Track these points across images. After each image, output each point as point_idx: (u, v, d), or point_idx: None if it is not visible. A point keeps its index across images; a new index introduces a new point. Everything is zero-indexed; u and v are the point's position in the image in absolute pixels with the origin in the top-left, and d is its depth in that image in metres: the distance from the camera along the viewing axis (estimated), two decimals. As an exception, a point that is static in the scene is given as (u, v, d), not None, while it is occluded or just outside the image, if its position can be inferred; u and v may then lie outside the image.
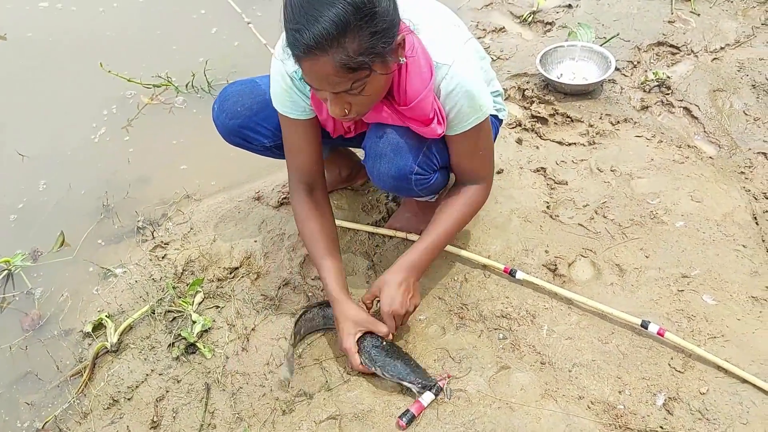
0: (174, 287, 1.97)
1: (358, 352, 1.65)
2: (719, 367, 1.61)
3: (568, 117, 2.48)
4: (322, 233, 1.76)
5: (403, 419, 1.58)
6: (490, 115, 1.85)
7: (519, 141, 2.40)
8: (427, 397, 1.62)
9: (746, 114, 2.47)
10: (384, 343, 1.68)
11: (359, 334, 1.67)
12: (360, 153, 2.26)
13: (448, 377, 1.66)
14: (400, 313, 1.67)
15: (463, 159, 1.70)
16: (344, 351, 1.67)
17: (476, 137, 1.63)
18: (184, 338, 1.82)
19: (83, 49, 3.06)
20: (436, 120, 1.56)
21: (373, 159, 1.70)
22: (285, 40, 1.35)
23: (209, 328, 1.87)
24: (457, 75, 1.51)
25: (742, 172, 2.25)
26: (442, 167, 1.77)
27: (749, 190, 2.16)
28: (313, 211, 1.77)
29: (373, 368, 1.65)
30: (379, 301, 1.71)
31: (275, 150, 1.88)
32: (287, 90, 1.62)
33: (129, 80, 2.74)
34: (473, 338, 1.79)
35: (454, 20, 1.65)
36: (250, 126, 1.83)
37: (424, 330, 1.82)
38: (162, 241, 2.17)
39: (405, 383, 1.63)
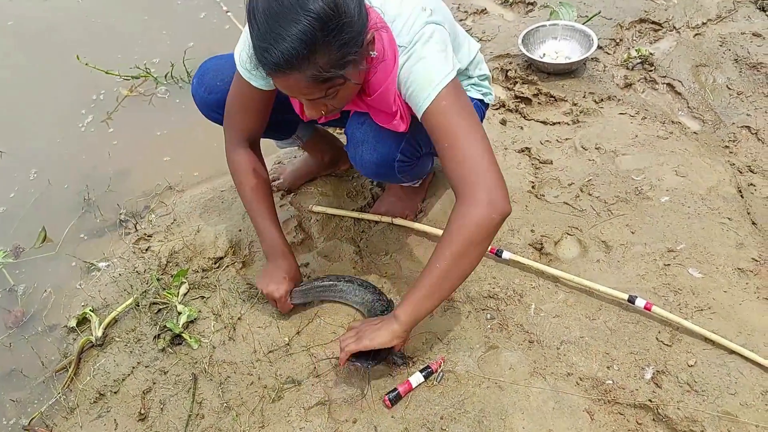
0: (158, 279, 1.95)
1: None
2: (706, 339, 1.61)
3: (552, 96, 2.47)
4: (266, 189, 1.77)
5: (390, 398, 1.58)
6: (474, 99, 1.82)
7: (503, 122, 2.38)
8: (416, 378, 1.61)
9: (729, 88, 2.47)
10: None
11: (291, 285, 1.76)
12: (342, 138, 2.25)
13: (442, 361, 1.66)
14: (360, 327, 1.56)
15: (441, 149, 1.44)
16: (277, 299, 1.74)
17: (445, 119, 1.43)
18: (170, 329, 1.81)
19: (60, 41, 3.02)
20: (399, 115, 1.53)
21: (356, 146, 1.67)
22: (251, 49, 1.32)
23: (195, 319, 1.85)
24: (414, 48, 1.44)
25: (727, 146, 2.26)
26: (427, 153, 1.75)
27: (734, 164, 2.16)
28: (256, 165, 1.76)
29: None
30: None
31: None
32: (253, 59, 1.56)
33: (107, 72, 2.71)
34: (461, 319, 1.78)
35: (424, 3, 1.50)
36: None
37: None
38: (145, 234, 2.15)
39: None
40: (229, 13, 2.99)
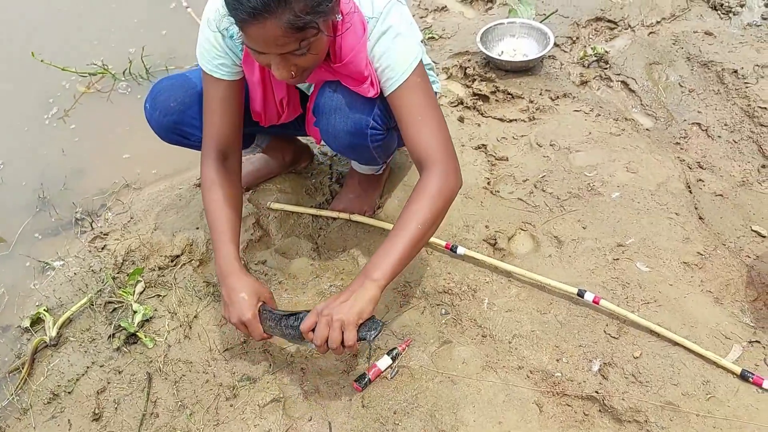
0: (114, 278, 1.93)
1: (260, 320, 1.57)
2: (652, 332, 1.66)
3: (509, 94, 2.51)
4: (227, 203, 1.66)
5: (360, 383, 1.60)
6: None
7: (461, 119, 2.41)
8: (385, 361, 1.63)
9: (681, 86, 2.53)
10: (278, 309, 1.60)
11: (259, 305, 1.58)
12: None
13: (410, 341, 1.70)
14: (326, 315, 1.43)
15: (407, 125, 1.54)
16: (245, 323, 1.54)
17: (417, 95, 1.53)
18: (125, 329, 1.80)
19: (13, 37, 2.96)
20: (369, 80, 1.54)
21: (328, 115, 1.64)
22: (223, 5, 1.31)
23: (151, 318, 1.85)
24: (387, 22, 1.49)
25: (678, 143, 2.31)
26: (394, 127, 1.71)
27: (684, 160, 2.21)
28: (221, 179, 1.67)
29: (275, 332, 1.57)
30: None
31: None
32: (216, 46, 1.56)
33: (63, 69, 2.67)
34: (416, 315, 1.80)
35: None
36: (186, 121, 1.77)
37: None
38: (101, 232, 2.13)
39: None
40: (189, 9, 2.96)
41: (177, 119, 1.75)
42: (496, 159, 2.23)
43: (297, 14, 1.27)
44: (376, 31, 1.49)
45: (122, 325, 1.80)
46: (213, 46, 1.57)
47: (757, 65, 2.49)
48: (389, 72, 1.52)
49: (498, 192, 2.11)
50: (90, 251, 2.07)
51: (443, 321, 1.78)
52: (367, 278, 1.45)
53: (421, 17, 2.97)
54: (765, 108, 2.31)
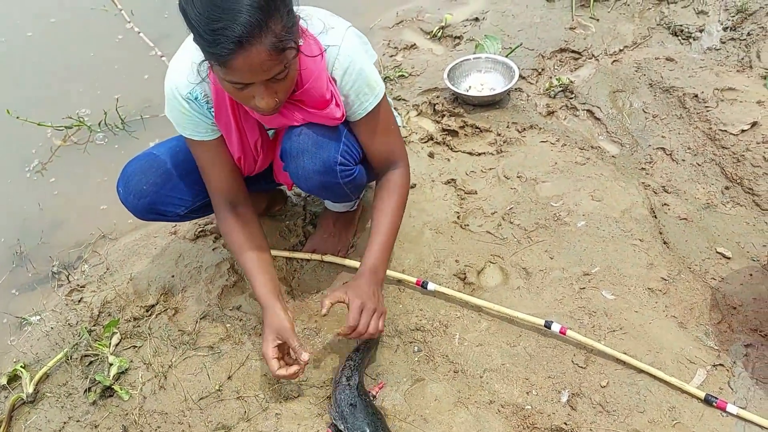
0: (89, 331, 1.95)
1: (330, 402, 1.66)
2: (618, 360, 1.68)
3: (477, 128, 2.56)
4: (249, 242, 1.74)
5: (332, 429, 1.62)
6: None
7: (431, 155, 2.46)
8: None
9: (645, 112, 2.59)
10: (357, 397, 1.62)
11: (278, 341, 1.61)
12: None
13: (383, 384, 1.72)
14: (370, 308, 1.62)
15: (376, 140, 1.73)
16: (263, 356, 1.61)
17: (381, 114, 1.69)
18: (100, 382, 1.81)
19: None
20: (333, 102, 1.59)
21: (295, 158, 1.67)
22: (201, 49, 1.34)
23: (127, 369, 1.86)
24: (348, 55, 1.57)
25: (643, 168, 2.36)
26: (362, 160, 1.78)
27: (649, 185, 2.26)
28: (237, 224, 1.75)
29: (340, 424, 1.60)
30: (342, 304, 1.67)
31: (191, 215, 1.89)
32: (185, 113, 1.62)
33: (39, 124, 2.71)
34: (389, 353, 1.82)
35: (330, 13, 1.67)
36: (161, 200, 1.79)
37: (341, 349, 1.84)
38: (78, 285, 2.15)
39: None
40: (163, 58, 3.03)
41: (152, 200, 1.78)
42: (465, 193, 2.27)
43: (278, 35, 1.32)
44: (341, 63, 1.57)
45: (98, 378, 1.81)
46: (183, 114, 1.63)
47: (717, 89, 2.55)
48: (363, 96, 1.63)
49: (467, 226, 2.15)
50: (67, 304, 2.09)
51: (416, 359, 1.80)
52: (374, 275, 1.70)
53: (391, 56, 3.04)
54: (725, 131, 2.37)
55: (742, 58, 2.71)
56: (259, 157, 1.79)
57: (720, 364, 1.65)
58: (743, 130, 2.34)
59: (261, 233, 1.80)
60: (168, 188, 1.80)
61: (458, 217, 2.18)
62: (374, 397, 1.69)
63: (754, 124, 2.34)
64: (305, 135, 1.65)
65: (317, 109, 1.60)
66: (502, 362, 1.74)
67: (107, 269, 2.19)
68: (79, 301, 2.09)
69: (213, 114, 1.63)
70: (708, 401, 1.56)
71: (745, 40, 2.80)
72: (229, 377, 1.81)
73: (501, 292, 1.92)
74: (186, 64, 1.58)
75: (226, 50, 1.29)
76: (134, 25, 3.27)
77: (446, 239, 2.11)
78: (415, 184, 2.32)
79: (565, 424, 1.58)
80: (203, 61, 1.46)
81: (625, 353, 1.67)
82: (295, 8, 1.44)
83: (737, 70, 2.65)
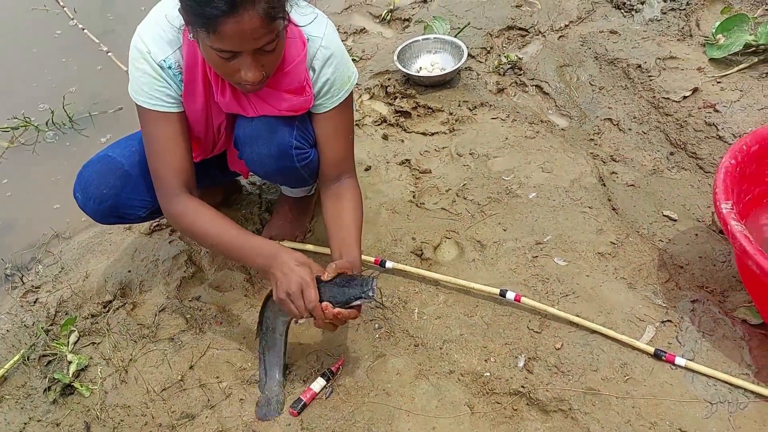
0: (47, 331, 1.93)
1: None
2: (571, 322, 1.73)
3: (430, 108, 2.59)
4: (220, 218, 1.59)
5: (296, 408, 1.63)
6: None
7: (385, 137, 2.48)
8: (318, 383, 1.66)
9: (592, 84, 2.65)
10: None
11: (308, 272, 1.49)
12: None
13: (342, 362, 1.74)
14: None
15: (336, 139, 1.69)
16: (303, 286, 1.46)
17: (346, 114, 1.70)
18: (60, 380, 1.79)
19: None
20: (308, 92, 1.60)
21: (250, 144, 1.66)
22: (189, 12, 1.31)
23: (87, 366, 1.84)
24: (331, 46, 1.58)
25: (592, 139, 2.42)
26: (316, 144, 1.77)
27: (597, 155, 2.31)
28: (202, 206, 1.60)
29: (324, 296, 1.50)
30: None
31: (152, 216, 1.85)
32: (157, 78, 1.53)
33: (-17, 127, 2.65)
34: (351, 333, 1.84)
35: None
36: (121, 203, 1.75)
37: (303, 331, 1.85)
38: (33, 286, 2.12)
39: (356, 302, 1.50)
40: (110, 54, 2.98)
41: (113, 203, 1.73)
42: (420, 172, 2.30)
43: (270, 2, 1.31)
44: (322, 54, 1.57)
45: (57, 377, 1.79)
46: (154, 78, 1.53)
47: (659, 58, 2.62)
48: (336, 90, 1.63)
49: (423, 204, 2.17)
50: (22, 306, 2.05)
51: (377, 336, 1.82)
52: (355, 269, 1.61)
53: (342, 40, 3.03)
54: (668, 98, 2.44)
55: (683, 28, 2.78)
56: (220, 141, 1.77)
57: (668, 321, 1.71)
58: (685, 97, 2.41)
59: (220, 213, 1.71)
60: (128, 191, 1.74)
61: (414, 196, 2.21)
62: (333, 373, 1.70)
63: (695, 90, 2.41)
64: (258, 120, 1.65)
65: (294, 95, 1.59)
66: (460, 333, 1.78)
67: (62, 268, 2.16)
68: (35, 302, 2.06)
69: (183, 88, 1.58)
70: (657, 356, 1.61)
71: (684, 9, 2.88)
72: (191, 367, 1.81)
73: (457, 266, 1.95)
74: (158, 30, 1.52)
75: (216, 12, 1.26)
76: (78, 22, 3.20)
77: (402, 218, 2.13)
78: (370, 167, 2.34)
79: (522, 387, 1.62)
80: (183, 26, 1.42)
81: (577, 315, 1.72)
82: None
83: (678, 39, 2.73)
